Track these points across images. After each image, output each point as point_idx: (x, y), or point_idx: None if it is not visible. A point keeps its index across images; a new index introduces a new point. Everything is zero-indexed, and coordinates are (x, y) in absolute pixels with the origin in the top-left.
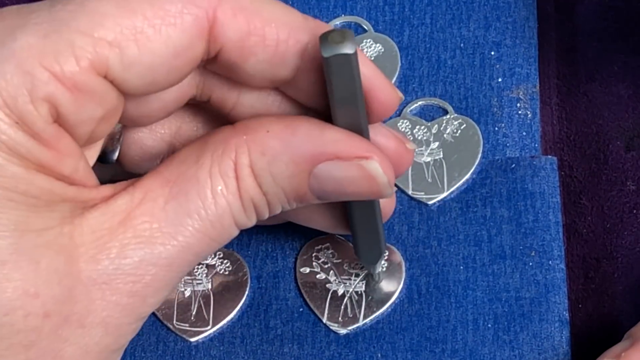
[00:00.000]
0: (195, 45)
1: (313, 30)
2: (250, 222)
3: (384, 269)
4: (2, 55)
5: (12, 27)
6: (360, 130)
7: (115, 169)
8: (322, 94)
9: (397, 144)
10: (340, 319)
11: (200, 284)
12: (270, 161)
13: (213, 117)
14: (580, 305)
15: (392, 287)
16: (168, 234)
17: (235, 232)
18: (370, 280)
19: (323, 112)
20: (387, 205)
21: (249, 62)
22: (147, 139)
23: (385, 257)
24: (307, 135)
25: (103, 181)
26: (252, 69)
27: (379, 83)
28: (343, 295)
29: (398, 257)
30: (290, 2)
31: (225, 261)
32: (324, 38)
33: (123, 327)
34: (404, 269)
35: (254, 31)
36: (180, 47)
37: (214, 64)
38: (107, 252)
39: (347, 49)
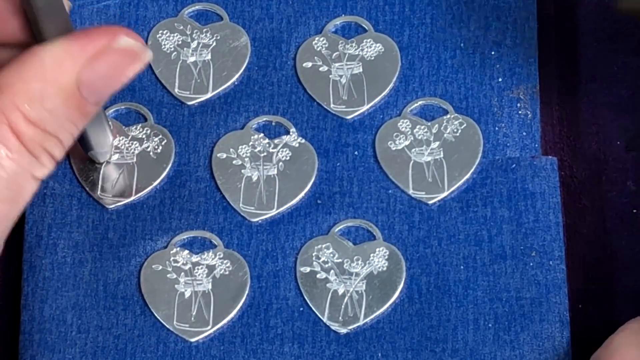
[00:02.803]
0: None
1: None
2: (48, 167)
3: (384, 269)
4: None
5: None
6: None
7: None
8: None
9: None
10: (340, 318)
11: (200, 284)
12: (42, 101)
13: None
14: (580, 306)
15: (393, 287)
16: None
17: (35, 185)
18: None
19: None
20: None
21: None
22: None
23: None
24: (55, 58)
25: None
26: None
27: None
28: (343, 295)
29: (398, 256)
30: (291, 2)
31: (225, 261)
32: None
33: None
34: (404, 268)
35: None
36: None
37: None
38: None
39: None
